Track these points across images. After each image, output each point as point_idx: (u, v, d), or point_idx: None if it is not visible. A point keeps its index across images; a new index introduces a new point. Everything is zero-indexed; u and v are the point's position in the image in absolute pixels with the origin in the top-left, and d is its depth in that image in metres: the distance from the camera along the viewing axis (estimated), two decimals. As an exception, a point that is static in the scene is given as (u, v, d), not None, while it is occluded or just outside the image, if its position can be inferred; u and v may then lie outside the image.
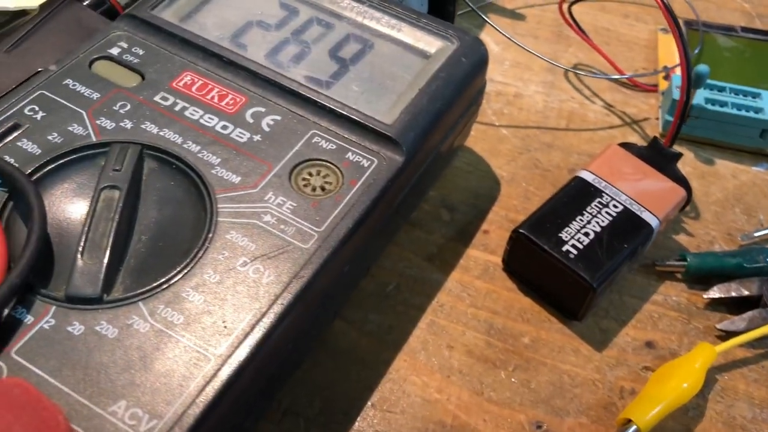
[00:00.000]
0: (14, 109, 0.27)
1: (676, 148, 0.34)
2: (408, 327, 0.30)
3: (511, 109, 0.40)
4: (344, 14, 0.32)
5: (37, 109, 0.27)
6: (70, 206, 0.25)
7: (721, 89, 0.38)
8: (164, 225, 0.25)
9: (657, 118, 0.40)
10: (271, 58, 0.30)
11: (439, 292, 0.31)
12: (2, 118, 0.26)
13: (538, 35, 0.45)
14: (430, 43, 0.31)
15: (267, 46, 0.30)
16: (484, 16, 0.39)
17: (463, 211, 0.35)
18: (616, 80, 0.42)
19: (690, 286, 0.33)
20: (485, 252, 0.33)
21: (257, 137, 0.27)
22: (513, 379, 0.29)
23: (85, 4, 0.34)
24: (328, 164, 0.27)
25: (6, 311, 0.21)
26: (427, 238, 0.33)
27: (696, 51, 0.43)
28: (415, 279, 0.32)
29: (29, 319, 0.22)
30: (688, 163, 0.38)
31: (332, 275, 0.25)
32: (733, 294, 0.32)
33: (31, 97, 0.27)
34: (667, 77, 0.42)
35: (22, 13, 0.38)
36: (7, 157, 0.25)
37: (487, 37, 0.44)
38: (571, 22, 0.42)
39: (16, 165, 0.25)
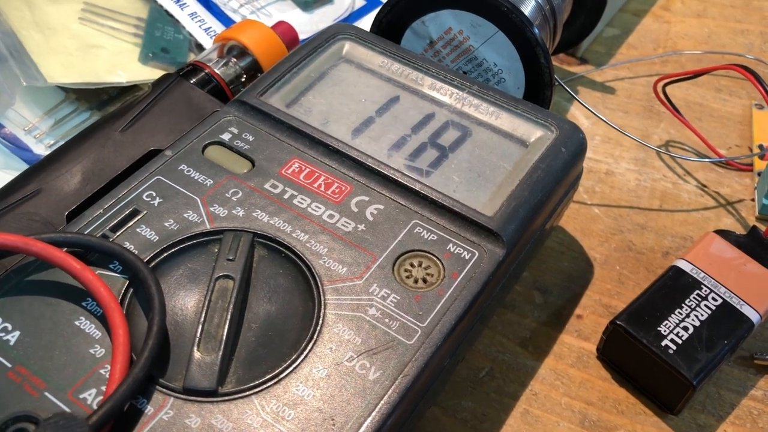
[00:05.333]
0: (133, 195, 0.28)
1: (777, 237, 0.34)
2: (502, 416, 0.30)
3: (602, 187, 0.40)
4: (444, 101, 0.33)
5: (154, 195, 0.28)
6: (184, 293, 0.26)
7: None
8: (273, 314, 0.26)
9: (753, 200, 0.40)
10: (373, 145, 0.31)
11: (533, 380, 0.31)
12: (123, 203, 0.28)
13: (628, 110, 0.45)
14: (528, 131, 0.32)
15: (369, 133, 0.31)
16: (573, 94, 0.39)
17: (556, 293, 0.35)
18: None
19: (791, 382, 0.32)
20: (579, 338, 0.33)
21: (362, 227, 0.28)
22: (608, 475, 0.29)
23: (192, 82, 0.36)
24: (430, 255, 0.27)
25: (128, 401, 0.22)
26: (520, 322, 0.33)
27: (793, 130, 0.43)
28: (509, 365, 0.32)
29: (149, 409, 0.23)
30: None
31: (434, 370, 0.25)
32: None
33: (149, 182, 0.29)
34: (763, 157, 0.41)
35: (133, 87, 0.40)
36: (127, 244, 0.27)
37: (576, 110, 0.44)
38: (664, 99, 0.41)
39: (137, 253, 0.26)
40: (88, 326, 0.24)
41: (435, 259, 0.27)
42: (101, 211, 0.28)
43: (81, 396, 0.23)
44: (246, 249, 0.26)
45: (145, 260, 0.26)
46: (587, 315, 0.34)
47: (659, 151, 0.42)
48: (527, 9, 0.36)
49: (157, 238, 0.27)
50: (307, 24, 0.46)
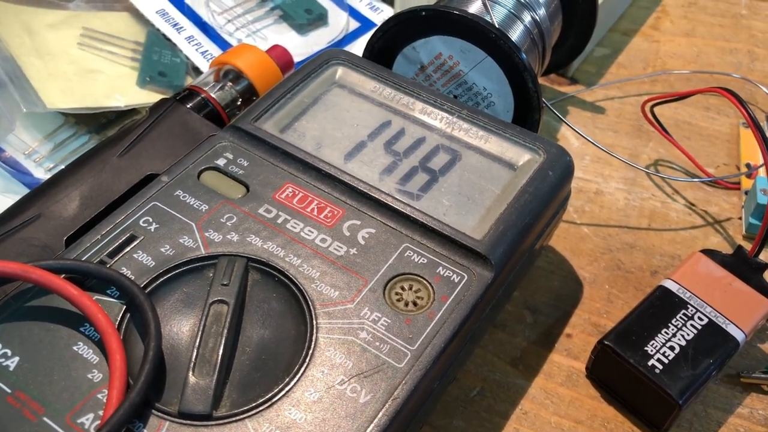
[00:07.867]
0: (130, 221, 0.29)
1: (763, 256, 0.34)
2: (492, 435, 0.31)
3: (592, 206, 0.41)
4: (434, 125, 0.34)
5: (150, 220, 0.29)
6: (180, 318, 0.26)
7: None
8: (267, 338, 0.26)
9: (740, 218, 0.40)
10: (365, 170, 0.31)
11: (523, 399, 0.32)
12: (120, 229, 0.28)
13: (618, 129, 0.46)
14: (517, 154, 0.33)
15: (361, 157, 0.32)
16: (562, 117, 0.40)
17: (545, 312, 0.35)
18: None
19: (777, 399, 0.33)
20: (568, 357, 0.34)
21: (353, 250, 0.29)
22: (597, 492, 0.29)
23: (189, 107, 0.37)
24: (420, 279, 0.28)
25: (125, 425, 0.23)
26: (511, 341, 0.34)
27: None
28: (499, 384, 0.32)
29: (145, 433, 0.23)
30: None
31: (424, 393, 0.26)
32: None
33: (146, 208, 0.29)
34: (750, 176, 0.42)
35: (131, 111, 0.41)
36: (124, 269, 0.27)
37: (566, 130, 0.45)
38: (653, 120, 0.42)
39: (134, 279, 0.27)
40: (86, 351, 0.25)
41: (425, 282, 0.28)
42: (99, 236, 0.28)
43: (79, 421, 0.23)
44: (240, 274, 0.27)
45: (142, 285, 0.27)
46: (576, 334, 0.34)
47: (648, 172, 0.42)
48: (515, 34, 0.37)
49: (154, 263, 0.27)
50: (302, 46, 0.47)
